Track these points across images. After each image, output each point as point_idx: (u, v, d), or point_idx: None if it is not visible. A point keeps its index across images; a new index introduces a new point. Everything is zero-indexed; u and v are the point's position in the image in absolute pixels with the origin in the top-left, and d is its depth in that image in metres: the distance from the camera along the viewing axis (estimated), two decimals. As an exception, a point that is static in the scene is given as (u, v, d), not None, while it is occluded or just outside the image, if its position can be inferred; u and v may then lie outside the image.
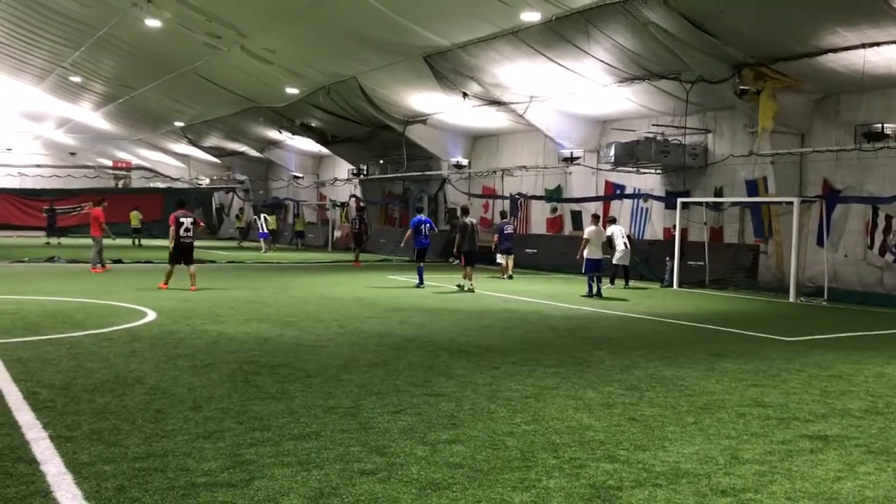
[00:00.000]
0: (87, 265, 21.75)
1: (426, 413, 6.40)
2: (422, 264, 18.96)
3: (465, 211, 19.47)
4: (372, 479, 4.79)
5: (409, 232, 19.21)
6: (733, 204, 21.12)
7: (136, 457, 5.08)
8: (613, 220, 20.88)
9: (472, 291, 17.39)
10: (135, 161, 57.04)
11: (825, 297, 17.15)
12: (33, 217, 42.71)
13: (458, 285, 18.21)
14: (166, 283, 16.36)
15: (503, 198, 29.22)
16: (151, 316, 12.02)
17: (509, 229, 22.01)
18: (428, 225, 19.11)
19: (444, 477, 4.85)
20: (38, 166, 56.07)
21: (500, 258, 21.82)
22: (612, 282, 19.28)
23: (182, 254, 16.53)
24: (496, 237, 22.02)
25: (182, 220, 16.48)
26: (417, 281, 18.58)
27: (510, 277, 21.05)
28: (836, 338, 11.77)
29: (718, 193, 21.72)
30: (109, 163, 57.46)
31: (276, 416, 6.21)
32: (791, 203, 17.87)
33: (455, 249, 19.05)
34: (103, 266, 21.31)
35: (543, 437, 5.78)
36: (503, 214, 23.06)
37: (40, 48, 32.47)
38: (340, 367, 8.31)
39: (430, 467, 5.02)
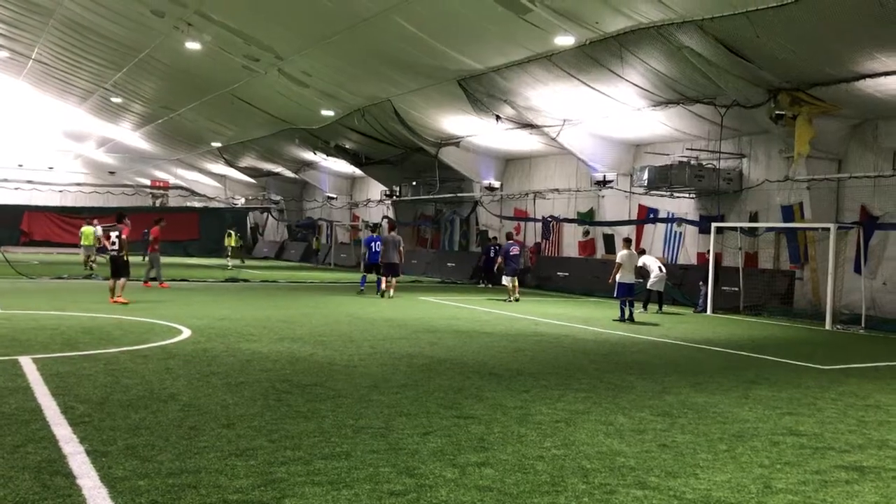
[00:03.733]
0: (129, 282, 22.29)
1: (456, 435, 6.41)
2: (367, 275, 22.14)
3: (392, 227, 22.45)
4: (401, 500, 4.81)
5: (363, 248, 22.81)
6: (768, 229, 20.90)
7: (170, 473, 5.16)
8: (643, 252, 20.46)
9: (391, 297, 20.17)
10: (172, 180, 58.02)
11: (863, 325, 16.86)
12: (73, 234, 43.56)
13: (381, 294, 20.83)
14: (113, 298, 16.73)
15: (535, 220, 29.22)
16: (186, 333, 12.18)
17: (515, 250, 21.56)
18: (378, 242, 21.79)
19: (474, 499, 4.85)
20: (79, 184, 57.31)
21: (505, 280, 21.31)
22: (644, 307, 19.13)
23: (111, 266, 17.25)
24: (501, 259, 21.99)
25: (110, 233, 17.38)
26: (360, 287, 21.93)
27: (516, 300, 20.71)
28: (874, 367, 11.56)
29: (753, 218, 21.51)
30: (147, 182, 58.53)
31: (306, 435, 6.26)
32: (827, 229, 17.65)
33: (379, 259, 21.33)
34: (149, 282, 21.77)
35: (573, 462, 5.75)
36: (508, 236, 23.35)
37: (84, 70, 33.32)
38: (371, 387, 8.35)
39: (459, 490, 5.03)
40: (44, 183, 56.05)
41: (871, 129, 18.94)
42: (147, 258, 22.28)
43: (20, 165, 55.34)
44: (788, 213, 20.46)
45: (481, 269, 28.93)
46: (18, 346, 10.39)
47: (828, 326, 16.85)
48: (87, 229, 29.79)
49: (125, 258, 17.05)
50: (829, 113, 18.04)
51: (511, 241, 22.22)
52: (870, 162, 18.80)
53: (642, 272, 19.02)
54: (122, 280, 16.97)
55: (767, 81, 17.37)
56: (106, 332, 12.11)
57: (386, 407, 7.38)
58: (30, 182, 55.41)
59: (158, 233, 22.10)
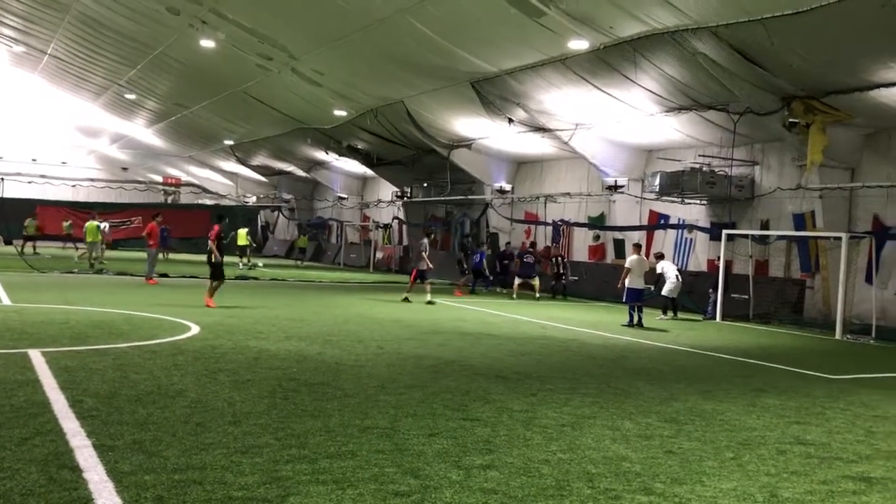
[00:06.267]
0: (135, 277, 22.38)
1: (461, 437, 6.40)
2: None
3: (428, 233, 22.80)
4: (406, 500, 4.81)
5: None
6: (780, 237, 20.80)
7: (176, 468, 5.17)
8: (661, 256, 20.28)
9: (429, 302, 19.79)
10: (184, 177, 58.23)
11: (873, 335, 16.76)
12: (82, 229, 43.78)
13: (428, 301, 19.96)
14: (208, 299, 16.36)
15: (546, 224, 29.17)
16: (195, 330, 12.22)
17: (529, 259, 24.48)
18: None
19: (478, 502, 4.85)
20: (92, 180, 57.60)
21: (518, 280, 24.05)
22: (664, 312, 19.14)
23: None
24: (516, 263, 25.02)
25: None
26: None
27: (513, 297, 23.20)
28: (884, 377, 11.50)
29: (765, 226, 21.42)
30: (160, 178, 58.75)
31: (312, 433, 6.27)
32: (839, 238, 17.55)
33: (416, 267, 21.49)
34: (150, 278, 21.77)
35: (579, 467, 5.74)
36: (505, 248, 28.12)
37: (98, 66, 33.50)
38: (378, 387, 8.35)
39: (464, 492, 5.02)
40: (57, 178, 56.35)
41: (885, 138, 18.84)
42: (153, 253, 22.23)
43: (34, 160, 55.65)
44: (800, 221, 20.36)
45: (499, 273, 28.36)
46: (28, 339, 10.45)
47: (838, 336, 16.76)
48: (90, 224, 28.90)
49: (212, 260, 16.48)
50: (842, 122, 17.95)
51: (528, 250, 25.61)
52: (883, 172, 18.69)
53: (659, 278, 19.04)
54: (215, 282, 16.39)
55: (781, 89, 17.29)
56: (115, 326, 12.16)
57: (392, 407, 7.39)
58: (43, 176, 55.70)
59: (155, 228, 21.77)
